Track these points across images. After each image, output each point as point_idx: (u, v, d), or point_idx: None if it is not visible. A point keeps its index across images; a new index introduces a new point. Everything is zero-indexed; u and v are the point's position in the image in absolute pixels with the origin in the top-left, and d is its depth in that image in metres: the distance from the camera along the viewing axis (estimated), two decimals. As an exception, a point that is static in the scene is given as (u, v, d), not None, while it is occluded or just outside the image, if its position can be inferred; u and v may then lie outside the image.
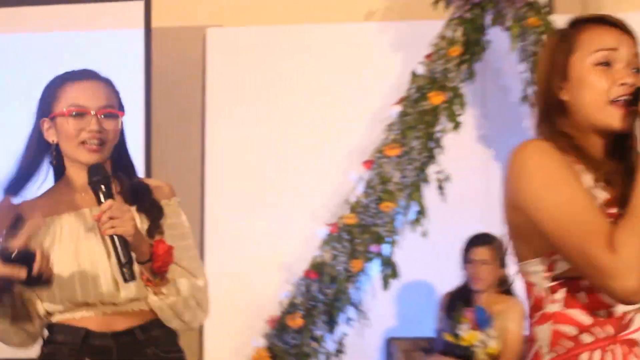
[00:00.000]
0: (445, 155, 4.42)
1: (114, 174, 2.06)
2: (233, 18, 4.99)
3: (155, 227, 2.02)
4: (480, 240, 4.14)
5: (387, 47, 4.83)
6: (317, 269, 4.35)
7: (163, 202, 2.10)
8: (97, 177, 1.90)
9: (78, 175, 2.00)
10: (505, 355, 3.96)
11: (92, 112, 1.97)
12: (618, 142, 1.54)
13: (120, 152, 2.11)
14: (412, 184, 4.38)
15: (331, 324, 4.36)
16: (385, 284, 4.36)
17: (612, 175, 1.51)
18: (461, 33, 4.42)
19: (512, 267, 3.78)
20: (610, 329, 1.48)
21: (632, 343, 1.50)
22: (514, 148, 1.53)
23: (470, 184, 4.62)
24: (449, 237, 4.24)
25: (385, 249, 4.39)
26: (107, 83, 2.08)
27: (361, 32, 4.94)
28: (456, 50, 4.39)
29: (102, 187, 1.89)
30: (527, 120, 4.51)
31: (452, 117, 4.40)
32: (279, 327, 4.32)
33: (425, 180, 4.42)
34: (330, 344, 4.39)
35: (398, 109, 4.43)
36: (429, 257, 4.52)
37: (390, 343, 4.52)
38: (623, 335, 1.49)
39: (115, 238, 1.85)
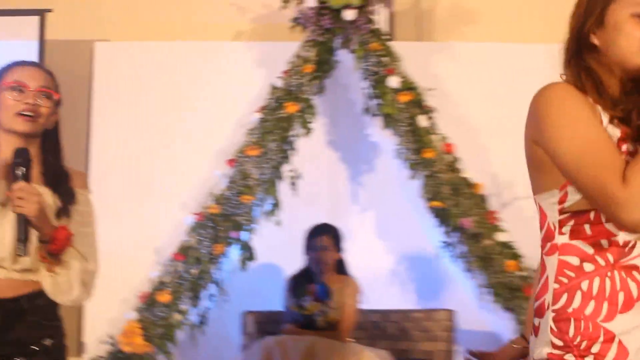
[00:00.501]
0: (297, 156, 4.65)
1: (43, 155, 2.20)
2: (120, 33, 5.14)
3: (64, 211, 2.15)
4: (320, 229, 4.46)
5: (252, 63, 5.05)
6: (184, 251, 4.48)
7: (77, 191, 2.23)
8: (19, 159, 2.03)
9: (7, 149, 2.10)
10: (342, 323, 4.30)
11: (31, 89, 2.13)
12: (636, 85, 1.59)
13: (52, 137, 2.24)
14: (268, 180, 4.57)
15: (195, 299, 4.48)
16: (243, 265, 4.53)
17: (627, 113, 1.55)
18: (314, 53, 4.64)
19: (346, 253, 4.35)
20: (610, 257, 1.52)
21: (631, 268, 1.53)
22: (540, 89, 1.58)
23: (318, 181, 4.90)
24: (299, 227, 4.48)
25: (243, 235, 4.54)
26: (48, 72, 2.25)
27: (230, 49, 5.15)
28: (309, 68, 4.62)
29: (21, 169, 2.02)
30: (369, 129, 4.94)
31: (304, 124, 4.63)
32: (149, 301, 4.42)
33: (280, 177, 4.60)
34: (194, 317, 4.51)
35: (259, 116, 4.64)
36: (281, 243, 4.69)
37: (246, 316, 4.67)
38: (623, 262, 1.52)
39: (19, 216, 1.98)
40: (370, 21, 4.68)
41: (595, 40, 1.57)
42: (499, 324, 4.65)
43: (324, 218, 4.63)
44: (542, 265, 1.59)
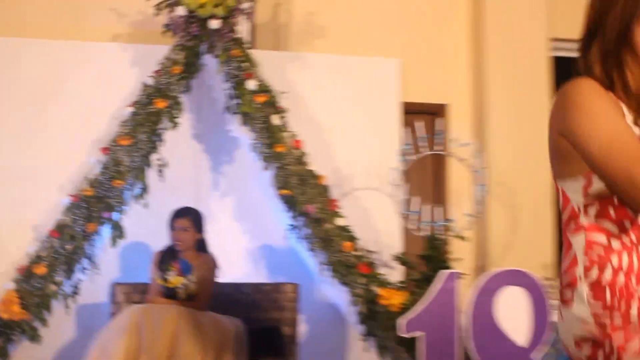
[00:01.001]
0: (164, 147, 4.84)
1: None
2: (3, 29, 5.27)
3: None
4: (181, 212, 4.66)
5: (127, 63, 5.26)
6: (60, 229, 4.60)
7: None
8: None
9: None
10: (201, 295, 4.50)
11: None
12: None
13: None
14: (138, 167, 4.72)
15: (69, 272, 4.59)
16: (114, 242, 4.70)
17: None
18: (182, 57, 4.86)
19: (207, 233, 4.66)
20: (633, 237, 1.53)
21: None
22: (567, 84, 1.56)
23: (183, 170, 5.15)
24: (165, 209, 4.67)
25: (115, 215, 4.69)
26: None
27: (108, 50, 5.37)
28: (178, 69, 4.83)
29: None
30: (229, 125, 5.19)
31: (172, 119, 4.83)
32: (27, 273, 4.53)
33: (149, 165, 4.77)
34: (68, 288, 4.64)
35: (131, 110, 4.80)
36: (148, 223, 4.89)
37: (115, 287, 4.82)
38: None
39: None
40: (232, 30, 4.92)
41: (637, 38, 1.53)
42: (337, 297, 5.00)
43: (188, 202, 4.84)
44: (568, 243, 1.60)
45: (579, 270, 1.56)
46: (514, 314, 3.92)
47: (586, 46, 1.60)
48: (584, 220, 1.57)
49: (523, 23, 5.87)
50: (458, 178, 5.63)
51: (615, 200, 1.52)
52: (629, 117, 1.52)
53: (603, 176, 1.48)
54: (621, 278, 1.51)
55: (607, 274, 1.52)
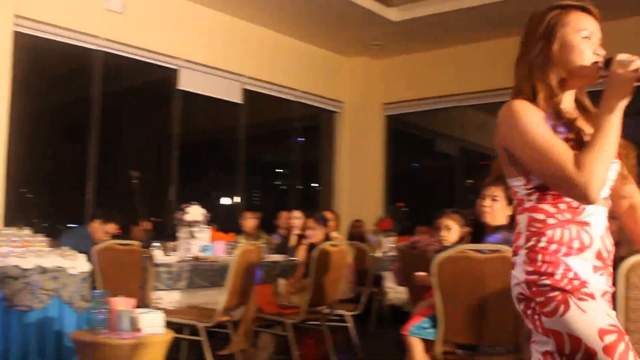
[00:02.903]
0: None
1: None
2: None
3: None
4: None
5: None
6: None
7: None
8: None
9: None
10: None
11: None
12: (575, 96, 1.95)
13: None
14: None
15: None
16: None
17: (572, 120, 1.83)
18: None
19: None
20: (567, 215, 1.80)
21: (583, 224, 1.80)
22: (503, 107, 1.84)
23: None
24: None
25: None
26: None
27: None
28: None
29: None
30: None
31: None
32: None
33: None
34: None
35: None
36: None
37: None
38: (577, 219, 1.80)
39: None
40: None
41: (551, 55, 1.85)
42: None
43: None
44: (516, 223, 1.89)
45: (521, 241, 1.84)
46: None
47: (516, 75, 1.92)
48: (527, 204, 1.85)
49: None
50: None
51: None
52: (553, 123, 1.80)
53: (542, 178, 1.78)
54: (552, 247, 1.78)
55: (542, 243, 1.80)
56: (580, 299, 1.74)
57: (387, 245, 7.64)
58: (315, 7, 8.53)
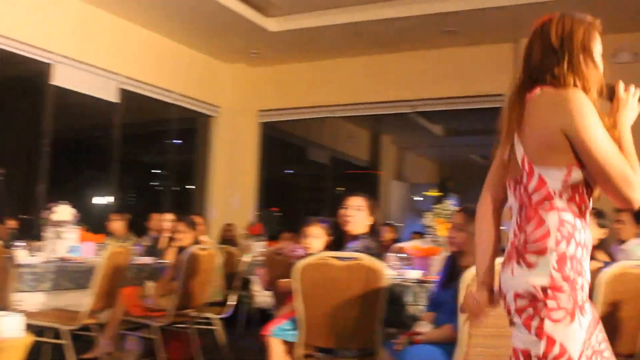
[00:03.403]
0: None
1: None
2: None
3: None
4: None
5: None
6: None
7: None
8: None
9: None
10: None
11: None
12: None
13: None
14: None
15: None
16: None
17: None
18: None
19: None
20: (586, 217, 1.88)
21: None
22: (568, 93, 1.83)
23: None
24: None
25: None
26: None
27: None
28: None
29: None
30: None
31: None
32: None
33: None
34: None
35: None
36: None
37: None
38: (588, 221, 1.89)
39: None
40: None
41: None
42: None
43: None
44: (540, 218, 1.85)
45: (551, 242, 1.81)
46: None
47: (548, 67, 1.91)
48: (558, 203, 1.83)
49: None
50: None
51: (581, 188, 1.83)
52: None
53: (600, 173, 1.77)
54: (579, 253, 1.82)
55: (572, 248, 1.82)
56: (582, 314, 1.81)
57: (257, 250, 7.67)
58: (196, 12, 8.49)
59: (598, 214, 3.65)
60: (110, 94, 8.74)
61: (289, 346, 3.48)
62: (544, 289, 1.79)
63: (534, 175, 1.86)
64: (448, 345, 2.99)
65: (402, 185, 13.96)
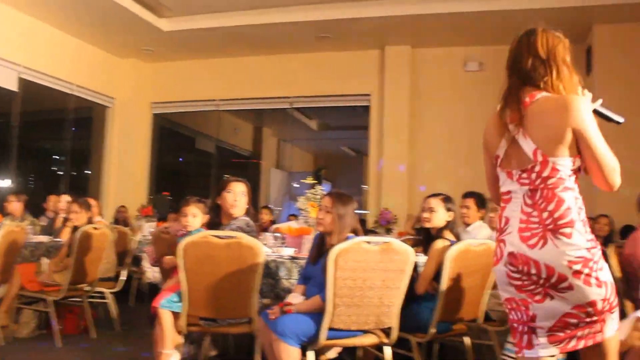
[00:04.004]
0: None
1: None
2: None
3: None
4: None
5: None
6: None
7: None
8: None
9: None
10: None
11: None
12: None
13: None
14: None
15: None
16: None
17: None
18: None
19: None
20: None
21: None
22: (577, 98, 2.01)
23: None
24: None
25: None
26: None
27: None
28: None
29: None
30: None
31: None
32: None
33: None
34: None
35: None
36: None
37: None
38: None
39: None
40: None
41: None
42: None
43: None
44: (558, 197, 2.01)
45: (573, 214, 2.00)
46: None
47: (540, 75, 2.08)
48: (569, 183, 2.01)
49: None
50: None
51: (577, 173, 2.04)
52: None
53: (597, 162, 1.96)
54: (583, 214, 2.03)
55: (582, 214, 2.03)
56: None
57: (148, 230, 7.47)
58: (94, 9, 8.22)
59: (446, 199, 3.73)
60: (10, 83, 8.32)
61: (177, 316, 3.40)
62: (588, 249, 1.96)
63: (549, 164, 2.01)
64: (316, 314, 3.03)
65: (282, 173, 13.98)
